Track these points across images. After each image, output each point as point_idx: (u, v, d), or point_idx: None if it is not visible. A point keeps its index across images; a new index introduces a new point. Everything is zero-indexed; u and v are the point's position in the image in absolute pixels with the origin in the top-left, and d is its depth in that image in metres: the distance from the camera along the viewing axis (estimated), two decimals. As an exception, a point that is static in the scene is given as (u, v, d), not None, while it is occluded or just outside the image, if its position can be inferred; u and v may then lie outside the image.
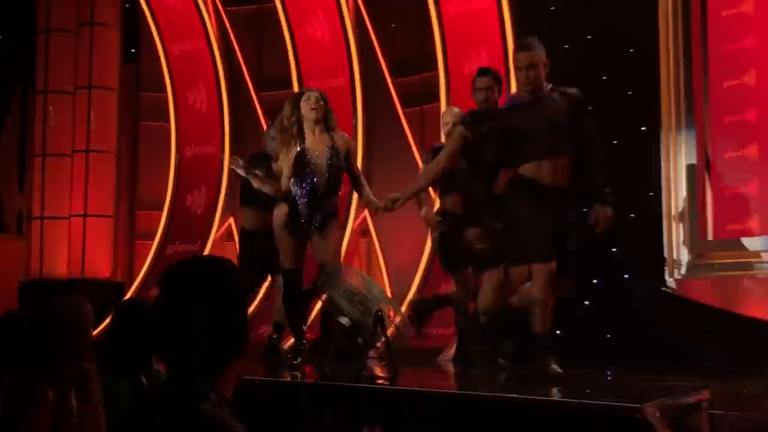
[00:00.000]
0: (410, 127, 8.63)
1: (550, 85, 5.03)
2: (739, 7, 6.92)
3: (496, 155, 4.93)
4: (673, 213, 7.08)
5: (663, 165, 7.11)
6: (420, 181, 5.41)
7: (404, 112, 8.71)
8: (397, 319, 5.09)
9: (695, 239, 6.98)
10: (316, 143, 5.66)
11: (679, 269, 7.02)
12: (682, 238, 7.05)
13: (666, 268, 7.04)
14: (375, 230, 8.69)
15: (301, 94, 5.83)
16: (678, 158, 7.11)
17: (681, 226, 7.06)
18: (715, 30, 6.94)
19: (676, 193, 7.10)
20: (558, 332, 7.19)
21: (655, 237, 7.06)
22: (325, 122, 5.69)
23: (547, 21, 7.60)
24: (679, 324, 6.59)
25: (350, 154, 5.86)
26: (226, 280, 1.85)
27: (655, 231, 7.07)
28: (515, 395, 3.93)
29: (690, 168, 7.04)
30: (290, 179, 5.65)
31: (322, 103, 5.66)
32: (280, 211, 5.72)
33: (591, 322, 7.09)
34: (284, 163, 5.69)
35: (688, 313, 6.69)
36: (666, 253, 7.05)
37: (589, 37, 7.49)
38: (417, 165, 8.05)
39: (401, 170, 8.20)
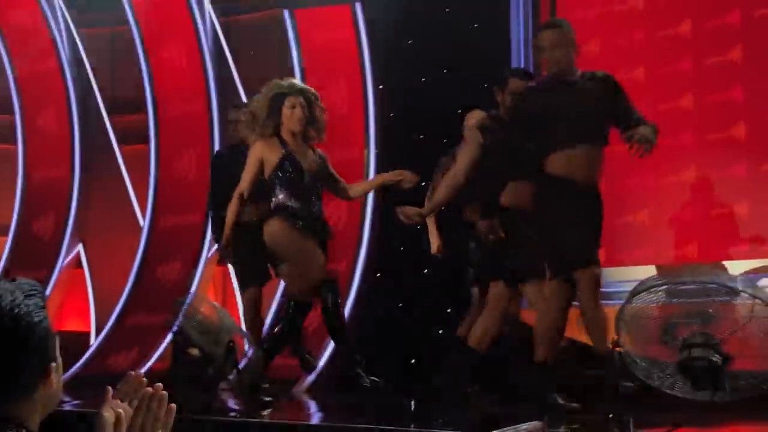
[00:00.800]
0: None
1: (579, 72, 4.55)
2: (586, 45, 7.19)
3: (520, 144, 4.53)
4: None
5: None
6: (440, 195, 4.92)
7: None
8: (250, 351, 4.97)
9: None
10: (301, 149, 5.20)
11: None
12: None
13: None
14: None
15: (282, 95, 5.15)
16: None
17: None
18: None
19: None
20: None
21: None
22: (305, 133, 5.20)
23: (404, 54, 7.71)
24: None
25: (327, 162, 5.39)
26: (9, 306, 1.73)
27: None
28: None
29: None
30: (275, 183, 5.09)
31: (307, 113, 5.15)
32: (282, 224, 5.08)
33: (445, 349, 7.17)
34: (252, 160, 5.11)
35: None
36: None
37: (445, 71, 7.63)
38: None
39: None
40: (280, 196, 5.03)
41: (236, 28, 8.85)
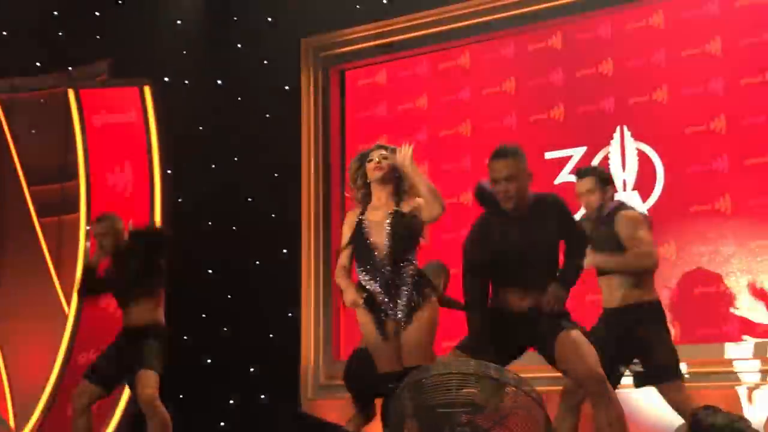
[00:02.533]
0: (46, 237, 8.18)
1: (533, 196, 4.21)
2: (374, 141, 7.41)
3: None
4: (312, 334, 7.25)
5: (302, 288, 7.31)
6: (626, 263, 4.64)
7: (40, 222, 8.26)
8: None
9: (329, 361, 7.16)
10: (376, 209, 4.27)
11: (313, 390, 7.15)
12: (316, 359, 7.22)
13: (300, 389, 7.15)
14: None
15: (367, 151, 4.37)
16: (317, 281, 7.34)
17: (317, 347, 7.24)
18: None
19: (315, 315, 7.29)
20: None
21: (294, 358, 7.18)
22: (397, 185, 4.26)
23: (195, 140, 7.67)
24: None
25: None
26: None
27: (294, 352, 7.19)
28: None
29: (326, 292, 7.28)
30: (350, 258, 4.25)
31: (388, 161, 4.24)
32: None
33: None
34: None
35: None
36: (301, 374, 7.17)
37: (236, 159, 7.64)
38: (50, 274, 7.61)
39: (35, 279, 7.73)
40: None
41: (18, 107, 8.49)
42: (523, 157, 4.17)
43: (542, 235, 4.09)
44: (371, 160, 4.28)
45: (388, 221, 4.17)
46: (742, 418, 1.84)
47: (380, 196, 4.25)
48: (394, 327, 4.10)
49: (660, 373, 4.60)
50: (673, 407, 4.59)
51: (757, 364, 5.76)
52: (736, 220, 5.99)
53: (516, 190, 4.05)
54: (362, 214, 4.25)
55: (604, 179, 4.84)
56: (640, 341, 4.60)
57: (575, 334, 3.91)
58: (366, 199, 4.30)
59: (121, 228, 5.55)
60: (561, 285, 4.01)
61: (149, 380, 5.27)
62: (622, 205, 4.82)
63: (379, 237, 4.14)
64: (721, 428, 1.88)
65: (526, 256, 4.04)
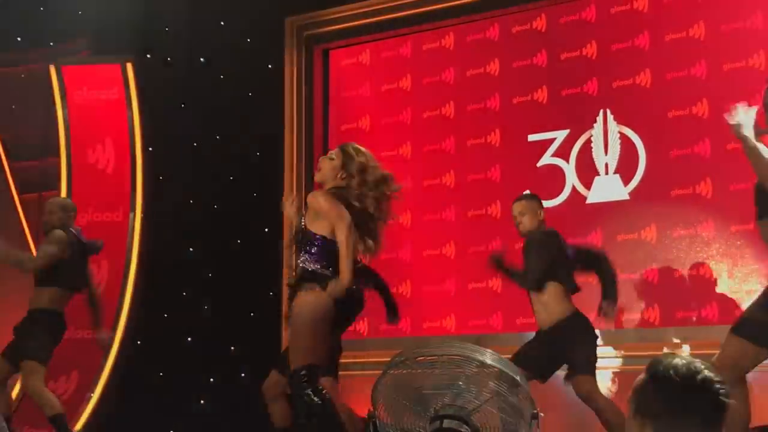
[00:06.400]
0: (26, 213, 8.13)
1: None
2: (357, 122, 7.42)
3: None
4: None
5: (284, 267, 7.29)
6: None
7: (21, 198, 8.21)
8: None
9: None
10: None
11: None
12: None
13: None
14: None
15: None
16: (298, 260, 7.32)
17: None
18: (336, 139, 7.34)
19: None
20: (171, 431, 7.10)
21: (275, 337, 7.17)
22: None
23: (176, 118, 7.62)
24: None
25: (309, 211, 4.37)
26: None
27: (275, 331, 7.18)
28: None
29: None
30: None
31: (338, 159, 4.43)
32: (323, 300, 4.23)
33: (207, 420, 7.02)
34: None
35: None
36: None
37: (218, 137, 7.60)
38: (30, 251, 7.55)
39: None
40: None
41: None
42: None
43: None
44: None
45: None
46: (700, 360, 1.91)
47: None
48: None
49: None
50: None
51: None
52: (717, 205, 6.03)
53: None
54: None
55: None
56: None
57: None
58: None
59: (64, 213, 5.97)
60: None
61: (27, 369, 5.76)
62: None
63: None
64: (676, 366, 1.92)
65: None
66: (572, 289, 5.20)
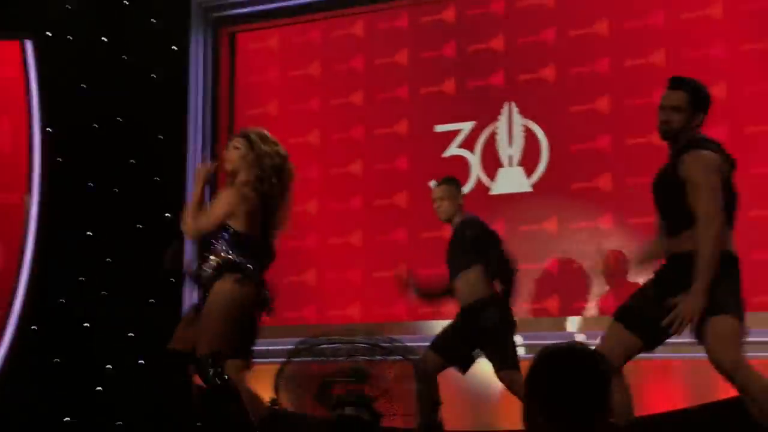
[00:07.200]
0: None
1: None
2: (264, 107, 7.36)
3: None
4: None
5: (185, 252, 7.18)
6: None
7: None
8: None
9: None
10: None
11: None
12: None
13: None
14: None
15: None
16: (201, 246, 7.23)
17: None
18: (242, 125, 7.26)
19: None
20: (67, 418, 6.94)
21: (174, 323, 7.06)
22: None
23: (77, 98, 7.42)
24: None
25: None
26: None
27: (175, 317, 7.07)
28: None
29: (211, 256, 7.19)
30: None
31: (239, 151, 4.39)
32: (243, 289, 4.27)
33: (104, 407, 6.90)
34: None
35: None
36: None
37: (120, 119, 7.43)
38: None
39: None
40: None
41: None
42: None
43: None
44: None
45: None
46: (581, 343, 2.09)
47: None
48: None
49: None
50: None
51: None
52: (616, 198, 6.18)
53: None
54: None
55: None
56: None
57: None
58: None
59: None
60: None
61: None
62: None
63: None
64: (560, 348, 2.06)
65: None
66: (494, 273, 5.25)
